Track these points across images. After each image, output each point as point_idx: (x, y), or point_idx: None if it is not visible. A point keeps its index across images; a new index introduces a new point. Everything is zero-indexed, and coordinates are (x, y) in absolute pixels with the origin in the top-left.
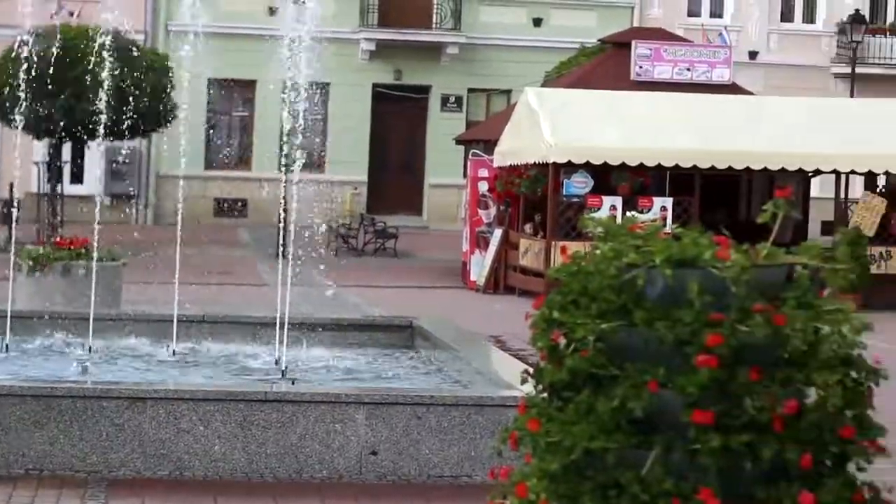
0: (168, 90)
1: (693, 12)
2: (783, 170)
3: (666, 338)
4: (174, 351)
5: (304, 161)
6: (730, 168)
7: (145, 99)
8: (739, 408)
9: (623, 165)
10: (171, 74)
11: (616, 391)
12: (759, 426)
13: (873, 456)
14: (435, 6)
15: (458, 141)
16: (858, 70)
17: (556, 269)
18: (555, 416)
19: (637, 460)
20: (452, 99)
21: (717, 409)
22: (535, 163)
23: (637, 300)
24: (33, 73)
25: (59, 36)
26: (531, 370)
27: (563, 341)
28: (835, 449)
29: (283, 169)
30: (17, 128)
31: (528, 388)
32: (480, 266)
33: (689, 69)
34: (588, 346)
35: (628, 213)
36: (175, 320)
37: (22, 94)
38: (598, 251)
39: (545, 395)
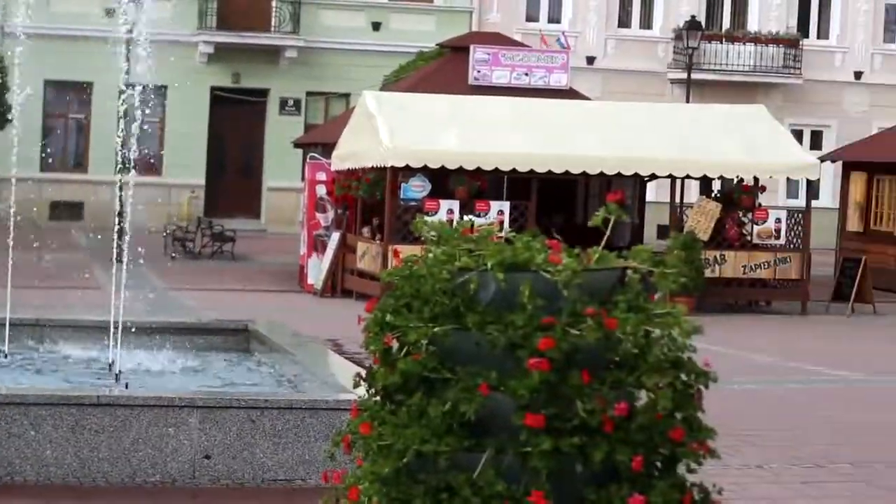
0: (3, 92)
1: (531, 17)
2: (619, 174)
3: (498, 341)
4: (6, 354)
5: (140, 164)
6: (567, 172)
7: None
8: (570, 411)
9: (461, 169)
10: (5, 76)
11: (448, 394)
12: (590, 429)
13: (703, 458)
14: (274, 9)
15: (297, 144)
16: (694, 76)
17: (388, 273)
18: (387, 420)
19: (469, 463)
20: (291, 102)
21: (548, 412)
22: (373, 166)
23: (469, 304)
24: None
25: None
26: (364, 373)
27: (395, 345)
28: (665, 451)
29: (119, 172)
30: None
31: (362, 391)
32: (318, 269)
33: (526, 74)
34: (420, 349)
35: (465, 217)
36: (7, 323)
37: None
38: (430, 255)
39: (378, 398)
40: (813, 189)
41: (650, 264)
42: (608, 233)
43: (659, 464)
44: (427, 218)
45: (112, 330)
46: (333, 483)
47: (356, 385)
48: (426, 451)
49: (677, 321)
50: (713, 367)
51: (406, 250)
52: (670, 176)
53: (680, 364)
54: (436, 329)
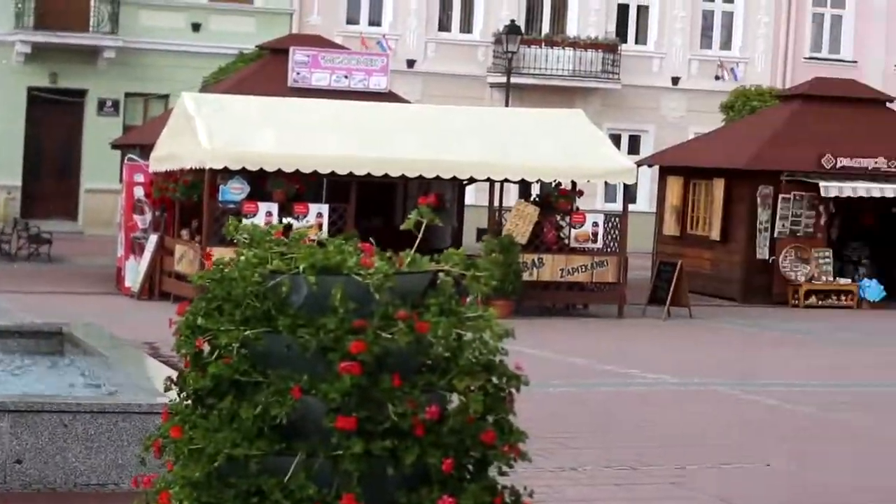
0: None
1: (352, 20)
2: (438, 177)
3: (309, 344)
4: None
5: None
6: (386, 175)
7: None
8: (382, 414)
9: (279, 172)
10: None
11: (259, 398)
12: (401, 432)
13: (514, 461)
14: (92, 9)
15: (115, 146)
16: (514, 80)
17: (199, 276)
18: (198, 424)
19: (280, 467)
20: (109, 103)
21: (359, 415)
22: (191, 168)
23: (281, 307)
24: None
25: None
26: (175, 377)
27: (206, 348)
28: (476, 454)
29: None
30: None
31: (174, 395)
32: (135, 272)
33: (346, 76)
34: (232, 352)
35: (284, 220)
36: None
37: None
38: (242, 258)
39: (189, 402)
40: (630, 193)
41: (462, 268)
42: (420, 236)
43: (470, 466)
44: (245, 221)
45: None
46: (144, 488)
47: (167, 389)
48: (237, 455)
49: (489, 324)
50: (525, 371)
51: (224, 253)
52: (489, 179)
53: (492, 367)
54: (247, 332)
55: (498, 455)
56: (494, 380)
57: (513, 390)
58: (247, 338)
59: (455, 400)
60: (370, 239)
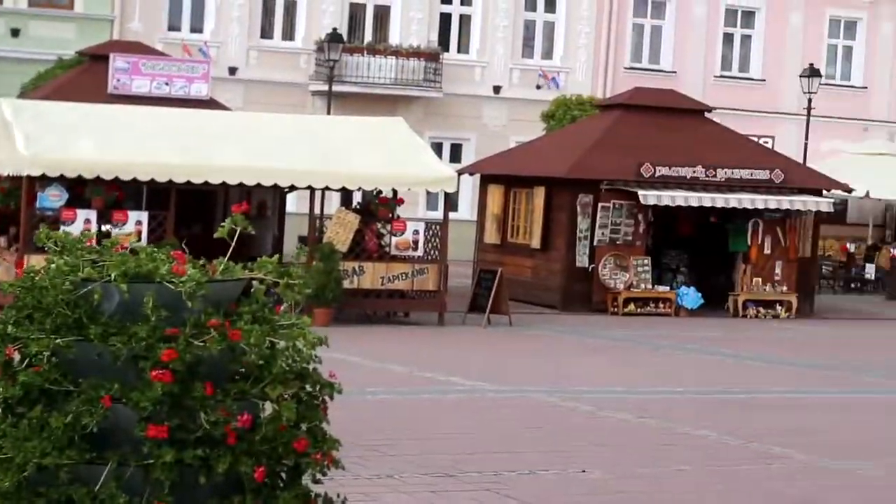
0: None
1: (174, 27)
2: (259, 185)
3: (120, 353)
4: None
5: None
6: (206, 182)
7: None
8: (194, 422)
9: (98, 179)
10: None
11: (70, 407)
12: (214, 440)
13: (327, 468)
14: None
15: None
16: (336, 88)
17: (9, 284)
18: (8, 433)
19: (91, 476)
20: None
21: (171, 423)
22: (9, 175)
23: (93, 315)
24: None
25: None
26: None
27: (17, 356)
28: (289, 462)
29: None
30: None
31: None
32: None
33: (167, 83)
34: (42, 361)
35: (104, 227)
36: None
37: None
38: (53, 265)
39: None
40: (451, 201)
41: (275, 275)
42: (233, 244)
43: (283, 474)
44: (63, 228)
45: None
46: None
47: None
48: (47, 464)
49: (302, 332)
50: (343, 378)
51: (41, 261)
52: (310, 187)
53: (305, 375)
54: (58, 340)
55: (311, 463)
56: (308, 388)
57: (326, 398)
58: (57, 346)
59: (268, 408)
60: (183, 246)
